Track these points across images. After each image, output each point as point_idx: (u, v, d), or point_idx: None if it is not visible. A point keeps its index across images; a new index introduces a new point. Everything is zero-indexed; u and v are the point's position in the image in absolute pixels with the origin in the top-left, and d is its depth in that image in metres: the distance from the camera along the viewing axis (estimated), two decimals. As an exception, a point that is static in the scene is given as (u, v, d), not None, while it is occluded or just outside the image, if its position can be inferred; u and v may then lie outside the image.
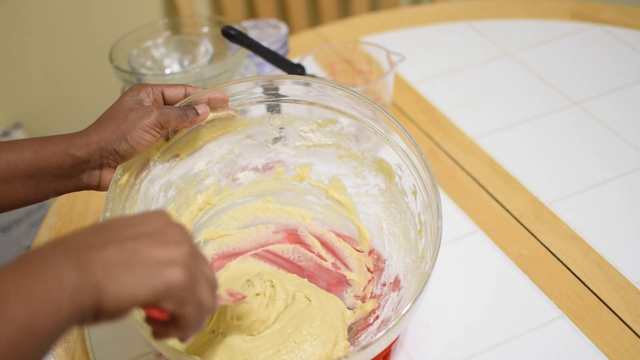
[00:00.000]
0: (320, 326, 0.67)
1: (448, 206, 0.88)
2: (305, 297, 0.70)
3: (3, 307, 0.39)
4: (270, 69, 1.01)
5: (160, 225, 0.47)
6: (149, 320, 0.49)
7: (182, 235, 0.48)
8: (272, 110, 0.78)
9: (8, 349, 0.39)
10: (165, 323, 0.48)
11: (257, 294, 0.68)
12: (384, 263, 0.76)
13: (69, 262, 0.42)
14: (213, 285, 0.50)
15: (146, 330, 0.51)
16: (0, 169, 0.62)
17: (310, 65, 0.95)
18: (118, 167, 0.66)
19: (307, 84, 0.74)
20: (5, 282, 0.40)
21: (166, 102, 0.70)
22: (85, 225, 0.79)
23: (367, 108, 0.73)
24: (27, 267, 0.41)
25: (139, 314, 0.58)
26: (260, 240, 0.82)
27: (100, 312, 0.43)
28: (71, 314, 0.41)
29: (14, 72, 1.52)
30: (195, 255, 0.48)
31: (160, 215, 0.49)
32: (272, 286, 0.71)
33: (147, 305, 0.45)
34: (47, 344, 0.41)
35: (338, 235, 0.81)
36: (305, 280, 0.74)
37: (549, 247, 0.81)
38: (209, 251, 0.80)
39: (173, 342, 0.63)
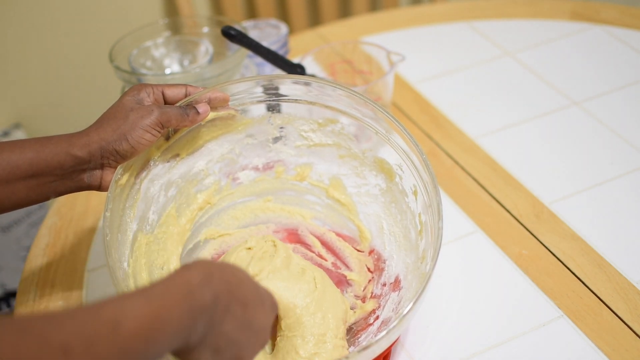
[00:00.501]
0: (308, 320, 0.67)
1: (448, 206, 0.88)
2: (314, 279, 0.70)
3: (161, 331, 0.44)
4: (270, 69, 1.01)
5: (267, 323, 0.56)
6: None
7: (267, 338, 0.56)
8: (273, 110, 0.78)
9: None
10: None
11: (249, 248, 0.69)
12: (384, 263, 0.76)
13: (206, 322, 0.48)
14: None
15: None
16: (0, 169, 0.62)
17: (310, 65, 0.95)
18: (118, 167, 0.66)
19: (307, 84, 0.74)
20: (173, 312, 0.45)
21: (166, 102, 0.70)
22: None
23: (368, 108, 0.73)
24: (191, 309, 0.47)
25: None
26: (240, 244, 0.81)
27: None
28: (186, 341, 0.47)
29: (14, 72, 1.52)
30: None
31: (272, 310, 0.57)
32: (274, 245, 0.71)
33: None
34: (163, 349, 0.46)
35: (338, 235, 0.81)
36: (317, 267, 0.74)
37: (549, 247, 0.81)
38: (209, 250, 0.80)
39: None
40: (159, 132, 0.66)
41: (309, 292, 0.69)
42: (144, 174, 0.71)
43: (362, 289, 0.75)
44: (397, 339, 0.69)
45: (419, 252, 0.69)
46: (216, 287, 0.49)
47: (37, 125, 1.58)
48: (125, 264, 0.67)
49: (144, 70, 0.94)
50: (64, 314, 0.41)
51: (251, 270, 0.68)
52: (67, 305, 0.79)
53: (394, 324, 0.58)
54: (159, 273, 0.73)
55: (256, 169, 0.82)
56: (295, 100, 0.76)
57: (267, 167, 0.82)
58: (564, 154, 0.95)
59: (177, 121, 0.67)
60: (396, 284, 0.72)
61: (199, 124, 0.73)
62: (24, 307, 0.80)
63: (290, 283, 0.68)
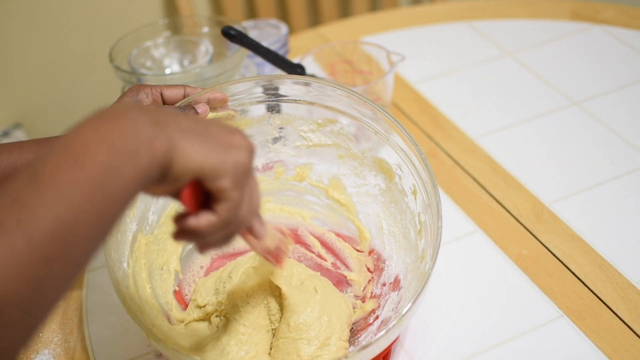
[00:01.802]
0: (312, 323, 0.67)
1: (448, 206, 0.88)
2: (314, 287, 0.70)
3: (86, 152, 0.40)
4: (270, 69, 1.01)
5: (226, 124, 0.50)
6: (178, 217, 0.49)
7: (246, 136, 0.49)
8: (272, 110, 0.78)
9: (96, 190, 0.39)
10: (194, 216, 0.48)
11: (255, 267, 0.70)
12: (384, 263, 0.76)
13: (146, 118, 0.43)
14: (256, 207, 0.52)
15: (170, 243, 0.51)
16: (0, 170, 0.62)
17: (310, 65, 0.95)
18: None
19: (307, 84, 0.74)
20: (87, 130, 0.41)
21: (165, 103, 0.70)
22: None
23: (367, 108, 0.73)
24: (107, 119, 0.42)
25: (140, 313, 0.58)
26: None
27: (168, 171, 0.44)
28: (147, 163, 0.42)
29: (14, 72, 1.52)
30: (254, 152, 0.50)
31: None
32: None
33: (202, 179, 0.46)
34: (127, 195, 0.42)
35: (338, 235, 0.81)
36: (318, 273, 0.74)
37: (549, 247, 0.81)
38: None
39: (172, 342, 0.63)
40: (158, 132, 0.66)
41: (311, 296, 0.69)
42: (143, 174, 0.71)
43: (362, 289, 0.75)
44: (397, 339, 0.69)
45: (419, 252, 0.69)
46: (168, 134, 0.44)
47: (37, 125, 1.58)
48: (125, 265, 0.67)
49: (144, 70, 0.94)
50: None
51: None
52: (66, 305, 0.79)
53: (394, 323, 0.58)
54: (159, 273, 0.73)
55: (255, 169, 0.82)
56: (295, 101, 0.76)
57: (267, 167, 0.82)
58: (564, 154, 0.95)
59: (176, 121, 0.67)
60: (396, 284, 0.72)
61: (198, 124, 0.72)
62: (24, 307, 0.79)
63: (290, 291, 0.69)
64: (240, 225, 0.50)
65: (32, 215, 0.37)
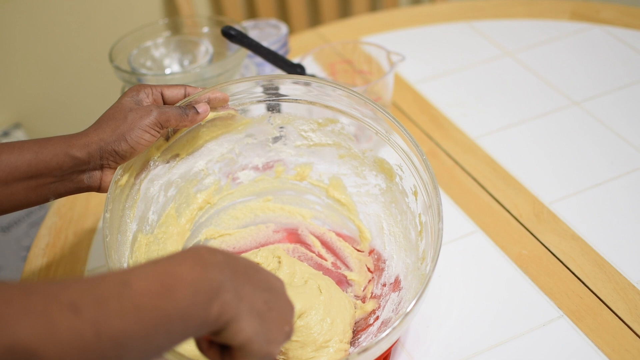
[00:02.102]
0: (314, 326, 0.67)
1: (448, 206, 0.88)
2: (318, 287, 0.70)
3: (176, 289, 0.44)
4: (270, 69, 1.01)
5: (286, 307, 0.54)
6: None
7: (292, 323, 0.54)
8: (273, 110, 0.78)
9: (165, 324, 0.43)
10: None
11: (259, 264, 0.70)
12: (384, 263, 0.76)
13: (231, 286, 0.47)
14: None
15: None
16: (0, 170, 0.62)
17: (310, 65, 0.95)
18: (118, 168, 0.66)
19: (307, 84, 0.74)
20: (184, 271, 0.45)
21: (165, 103, 0.70)
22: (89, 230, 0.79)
23: (368, 108, 0.73)
24: (204, 269, 0.46)
25: None
26: (260, 240, 0.82)
27: (218, 332, 0.47)
28: (211, 324, 0.46)
29: (14, 72, 1.52)
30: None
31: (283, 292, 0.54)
32: (279, 262, 0.71)
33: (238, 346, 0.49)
34: (182, 339, 0.46)
35: (338, 234, 0.81)
36: (321, 273, 0.74)
37: (549, 247, 0.81)
38: (209, 251, 0.80)
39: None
40: (158, 132, 0.66)
41: (314, 297, 0.69)
42: (143, 174, 0.71)
43: (362, 289, 0.75)
44: (398, 340, 0.69)
45: (419, 253, 0.69)
46: (224, 252, 0.49)
47: (37, 125, 1.58)
48: (125, 265, 0.67)
49: (144, 70, 0.94)
50: (70, 278, 0.42)
51: None
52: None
53: (394, 324, 0.58)
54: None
55: (256, 168, 0.82)
56: (295, 100, 0.76)
57: (267, 166, 0.82)
58: (564, 154, 0.95)
59: (176, 121, 0.67)
60: (396, 285, 0.72)
61: (198, 124, 0.73)
62: (24, 307, 0.79)
63: (293, 292, 0.69)
64: None
65: (107, 317, 0.41)
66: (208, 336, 0.50)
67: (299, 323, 0.67)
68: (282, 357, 0.67)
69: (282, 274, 0.71)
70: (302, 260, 0.79)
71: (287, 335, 0.53)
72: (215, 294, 0.46)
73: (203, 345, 0.51)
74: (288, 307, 0.54)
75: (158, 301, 0.43)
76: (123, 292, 0.42)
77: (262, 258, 0.74)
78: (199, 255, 0.47)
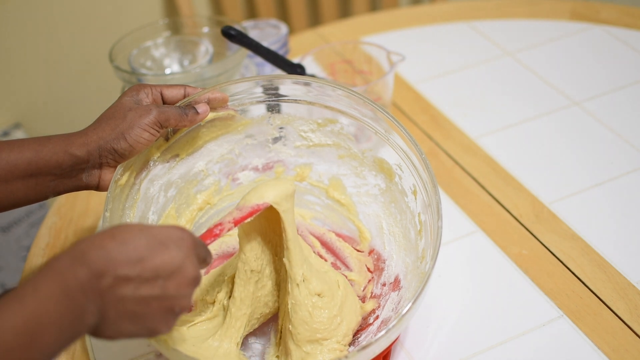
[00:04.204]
0: (327, 319, 0.67)
1: (448, 206, 0.88)
2: (337, 282, 0.70)
3: (42, 336, 0.44)
4: (270, 69, 1.01)
5: (178, 262, 0.52)
6: None
7: (193, 277, 0.53)
8: (272, 110, 0.78)
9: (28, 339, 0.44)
10: None
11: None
12: (384, 263, 0.76)
13: (95, 309, 0.48)
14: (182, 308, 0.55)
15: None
16: (0, 168, 0.62)
17: (310, 65, 0.95)
18: (118, 167, 0.66)
19: (307, 84, 0.74)
20: (50, 312, 0.45)
21: (165, 103, 0.70)
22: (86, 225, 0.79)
23: (367, 108, 0.73)
24: (70, 301, 0.46)
25: None
26: None
27: (95, 334, 0.50)
28: (77, 338, 0.47)
29: (14, 72, 1.52)
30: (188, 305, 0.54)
31: (180, 246, 0.52)
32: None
33: None
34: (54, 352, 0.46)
35: (338, 235, 0.81)
36: (336, 271, 0.74)
37: (549, 247, 0.81)
38: (209, 251, 0.80)
39: (173, 342, 0.63)
40: (157, 131, 0.66)
41: (334, 288, 0.69)
42: (143, 174, 0.71)
43: (362, 288, 0.75)
44: (397, 339, 0.69)
45: (419, 252, 0.69)
46: (91, 260, 0.48)
47: (37, 125, 1.58)
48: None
49: (144, 70, 0.94)
50: None
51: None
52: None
53: (394, 323, 0.58)
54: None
55: (256, 169, 0.82)
56: (295, 101, 0.76)
57: (267, 167, 0.82)
58: (564, 154, 0.95)
59: (175, 121, 0.67)
60: (396, 284, 0.72)
61: (198, 125, 0.73)
62: (24, 307, 0.79)
63: (317, 275, 0.68)
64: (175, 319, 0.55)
65: None
66: None
67: (315, 301, 0.66)
68: (289, 325, 0.66)
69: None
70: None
71: (174, 316, 0.53)
72: (81, 324, 0.47)
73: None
74: (176, 289, 0.52)
75: (24, 355, 0.43)
76: None
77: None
78: (63, 279, 0.46)
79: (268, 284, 0.69)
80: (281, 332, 0.69)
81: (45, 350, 0.44)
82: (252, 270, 0.66)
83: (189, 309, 0.55)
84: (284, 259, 0.66)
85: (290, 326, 0.65)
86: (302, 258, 0.66)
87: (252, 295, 0.67)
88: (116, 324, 0.49)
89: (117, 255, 0.48)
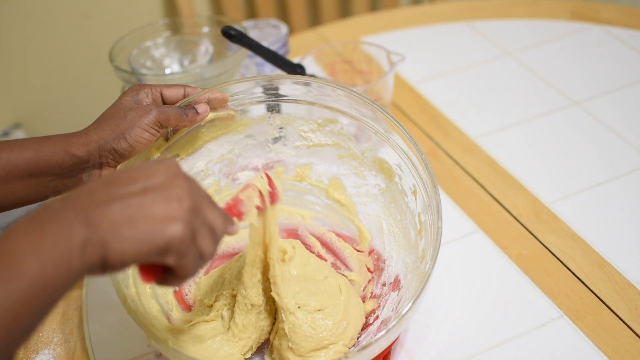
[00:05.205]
0: (333, 326, 0.67)
1: (448, 206, 0.88)
2: (339, 286, 0.70)
3: (17, 263, 0.41)
4: (270, 69, 1.01)
5: (165, 178, 0.49)
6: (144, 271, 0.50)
7: (185, 189, 0.49)
8: (272, 110, 0.78)
9: (22, 306, 0.40)
10: (162, 277, 0.50)
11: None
12: (384, 263, 0.76)
13: (77, 219, 0.44)
14: (216, 232, 0.51)
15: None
16: (0, 168, 0.62)
17: (310, 65, 0.95)
18: (118, 167, 0.66)
19: (307, 84, 0.74)
20: (19, 239, 0.42)
21: (165, 103, 0.70)
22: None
23: (367, 108, 0.73)
24: (39, 223, 0.43)
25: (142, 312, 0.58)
26: None
27: (106, 265, 0.45)
28: (80, 267, 0.43)
29: (14, 72, 1.52)
30: (196, 208, 0.49)
31: (166, 167, 0.50)
32: (293, 247, 0.71)
33: (148, 260, 0.47)
34: (58, 298, 0.43)
35: (338, 235, 0.81)
36: (340, 274, 0.74)
37: (549, 247, 0.81)
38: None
39: (173, 342, 0.63)
40: (157, 131, 0.66)
41: (335, 295, 0.69)
42: (143, 174, 0.71)
43: (362, 289, 0.75)
44: (397, 339, 0.69)
45: (419, 252, 0.69)
46: (63, 206, 0.45)
47: (37, 125, 1.58)
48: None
49: (144, 70, 0.94)
50: None
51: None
52: (66, 305, 0.79)
53: (394, 323, 0.58)
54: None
55: (256, 169, 0.82)
56: (295, 101, 0.76)
57: (267, 167, 0.82)
58: (564, 154, 0.95)
59: (175, 121, 0.67)
60: (396, 284, 0.72)
61: (198, 125, 0.73)
62: (24, 307, 0.79)
63: (312, 286, 0.68)
64: (207, 260, 0.51)
65: None
66: (147, 274, 0.48)
67: (317, 316, 0.66)
68: (288, 343, 0.66)
69: (294, 263, 0.71)
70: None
71: (179, 208, 0.47)
72: (67, 240, 0.42)
73: (161, 285, 0.49)
74: (165, 184, 0.48)
75: (2, 287, 0.40)
76: None
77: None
78: (32, 218, 0.43)
79: (270, 316, 0.69)
80: (273, 346, 0.69)
81: (28, 274, 0.40)
82: (252, 305, 0.67)
83: (189, 201, 0.49)
84: (271, 293, 0.66)
85: (289, 343, 0.66)
86: (293, 288, 0.67)
87: (254, 324, 0.68)
88: (114, 231, 0.44)
89: (102, 188, 0.47)
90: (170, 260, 0.47)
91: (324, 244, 0.81)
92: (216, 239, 0.51)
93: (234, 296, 0.69)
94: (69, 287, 0.43)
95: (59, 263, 0.42)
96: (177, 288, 0.66)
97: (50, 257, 0.42)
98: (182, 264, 0.48)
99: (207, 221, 0.50)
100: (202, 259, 0.50)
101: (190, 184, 0.50)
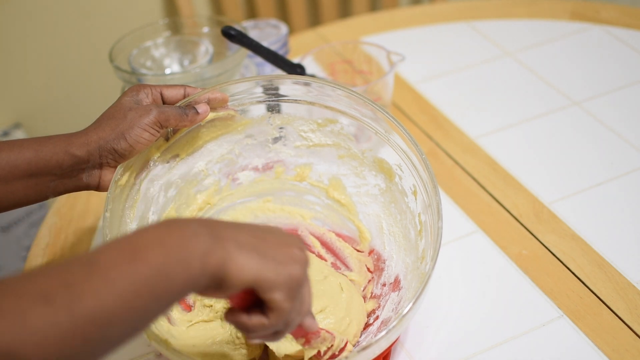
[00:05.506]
0: (336, 323, 0.67)
1: (448, 206, 0.88)
2: (339, 284, 0.70)
3: (143, 251, 0.43)
4: (270, 69, 1.01)
5: (285, 233, 0.52)
6: (229, 311, 0.50)
7: (302, 247, 0.52)
8: (272, 110, 0.78)
9: (144, 287, 0.42)
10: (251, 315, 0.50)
11: None
12: (384, 263, 0.76)
13: (204, 230, 0.46)
14: (306, 306, 0.53)
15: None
16: (0, 168, 0.62)
17: (310, 65, 0.95)
18: (118, 167, 0.66)
19: (307, 84, 0.74)
20: (149, 235, 0.45)
21: (165, 103, 0.70)
22: (87, 225, 0.79)
23: (367, 108, 0.73)
24: (168, 227, 0.45)
25: None
26: None
27: (223, 281, 0.46)
28: (199, 273, 0.45)
29: (14, 72, 1.52)
30: (306, 274, 0.52)
31: (290, 235, 0.53)
32: None
33: (255, 289, 0.47)
34: (174, 297, 0.45)
35: (338, 235, 0.81)
36: (339, 272, 0.74)
37: (549, 247, 0.81)
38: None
39: (173, 342, 0.63)
40: (157, 131, 0.66)
41: (336, 294, 0.69)
42: (143, 174, 0.71)
43: (362, 289, 0.75)
44: (397, 339, 0.69)
45: (419, 252, 0.69)
46: (192, 218, 0.47)
47: (37, 125, 1.58)
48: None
49: (144, 70, 0.94)
50: (38, 268, 0.42)
51: None
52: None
53: (394, 324, 0.58)
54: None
55: (256, 169, 0.82)
56: (295, 101, 0.76)
57: (267, 167, 0.82)
58: (564, 154, 0.95)
59: (176, 121, 0.67)
60: (396, 284, 0.72)
61: (198, 125, 0.73)
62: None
63: (312, 287, 0.68)
64: (289, 328, 0.52)
65: (80, 299, 0.40)
66: (238, 303, 0.49)
67: (318, 317, 0.66)
68: (301, 340, 0.66)
69: None
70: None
71: (301, 257, 0.50)
72: (192, 245, 0.44)
73: (241, 318, 0.49)
74: (288, 235, 0.51)
75: (128, 268, 0.42)
76: (91, 270, 0.41)
77: None
78: (160, 222, 0.46)
79: None
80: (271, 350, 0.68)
81: (152, 264, 0.43)
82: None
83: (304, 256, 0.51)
84: None
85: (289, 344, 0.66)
86: None
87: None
88: (240, 248, 0.46)
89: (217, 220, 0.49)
90: (277, 296, 0.48)
91: (324, 244, 0.81)
92: (304, 311, 0.52)
93: None
94: (184, 291, 0.45)
95: (181, 260, 0.44)
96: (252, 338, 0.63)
97: (173, 253, 0.44)
98: (286, 306, 0.49)
99: (304, 296, 0.52)
100: (299, 313, 0.51)
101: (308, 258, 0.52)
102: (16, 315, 0.38)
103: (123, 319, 0.42)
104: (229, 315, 0.50)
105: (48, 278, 0.41)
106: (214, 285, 0.46)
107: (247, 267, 0.46)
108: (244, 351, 0.67)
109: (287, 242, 0.50)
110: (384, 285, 0.74)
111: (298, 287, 0.49)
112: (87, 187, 0.67)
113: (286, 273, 0.48)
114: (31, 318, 0.38)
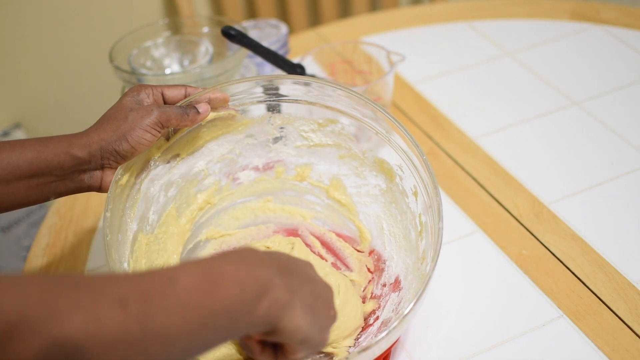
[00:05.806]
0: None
1: (448, 206, 0.88)
2: (337, 285, 0.70)
3: (222, 285, 0.45)
4: (270, 69, 1.01)
5: (330, 291, 0.55)
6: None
7: (335, 313, 0.56)
8: (273, 110, 0.78)
9: (211, 320, 0.44)
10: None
11: (267, 247, 0.70)
12: (385, 263, 0.76)
13: (281, 282, 0.48)
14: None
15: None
16: (0, 168, 0.62)
17: (310, 65, 0.95)
18: (119, 167, 0.66)
19: (307, 84, 0.74)
20: (229, 268, 0.46)
21: (166, 103, 0.70)
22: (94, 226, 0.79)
23: (368, 108, 0.73)
24: (248, 265, 0.47)
25: None
26: (260, 240, 0.82)
27: (274, 331, 0.48)
28: (262, 322, 0.47)
29: (14, 72, 1.52)
30: None
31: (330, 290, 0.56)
32: (292, 249, 0.71)
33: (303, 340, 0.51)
34: (231, 335, 0.46)
35: (338, 235, 0.81)
36: (338, 271, 0.74)
37: (549, 247, 0.81)
38: (210, 251, 0.80)
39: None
40: (158, 131, 0.66)
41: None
42: (144, 174, 0.71)
43: (362, 289, 0.75)
44: (397, 340, 0.69)
45: (419, 253, 0.69)
46: (270, 258, 0.49)
47: (37, 125, 1.58)
48: (126, 264, 0.67)
49: (144, 70, 0.94)
50: (118, 273, 0.43)
51: None
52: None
53: (394, 324, 0.58)
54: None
55: (256, 169, 0.82)
56: (296, 101, 0.76)
57: (267, 167, 0.82)
58: (564, 154, 0.95)
59: (177, 121, 0.67)
60: (396, 285, 0.72)
61: (199, 124, 0.73)
62: (24, 307, 0.79)
63: None
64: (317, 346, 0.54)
65: (153, 313, 0.41)
66: (258, 337, 0.51)
67: None
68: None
69: None
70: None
71: (333, 318, 0.54)
72: (264, 292, 0.46)
73: (255, 349, 0.52)
74: (328, 290, 0.55)
75: (203, 298, 0.43)
76: (169, 288, 0.42)
77: (276, 244, 0.74)
78: (241, 256, 0.48)
79: None
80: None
81: (226, 301, 0.44)
82: None
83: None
84: None
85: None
86: None
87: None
88: (303, 308, 0.49)
89: (291, 265, 0.52)
90: (300, 356, 0.52)
91: (324, 244, 0.81)
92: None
93: None
94: (243, 331, 0.47)
95: (251, 305, 0.46)
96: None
97: (246, 296, 0.45)
98: (304, 353, 0.52)
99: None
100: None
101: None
102: (91, 312, 0.39)
103: (184, 344, 0.43)
104: (245, 338, 0.53)
105: (129, 284, 0.42)
106: (266, 331, 0.48)
107: (301, 329, 0.49)
108: (242, 350, 0.67)
109: (329, 305, 0.54)
110: (384, 285, 0.74)
111: (319, 347, 0.53)
112: (89, 189, 0.67)
113: (323, 340, 0.52)
114: (105, 319, 0.39)
